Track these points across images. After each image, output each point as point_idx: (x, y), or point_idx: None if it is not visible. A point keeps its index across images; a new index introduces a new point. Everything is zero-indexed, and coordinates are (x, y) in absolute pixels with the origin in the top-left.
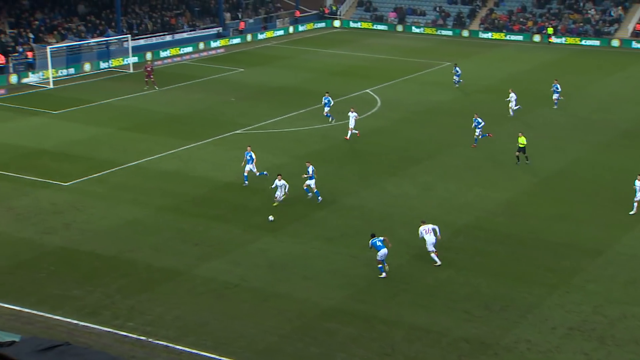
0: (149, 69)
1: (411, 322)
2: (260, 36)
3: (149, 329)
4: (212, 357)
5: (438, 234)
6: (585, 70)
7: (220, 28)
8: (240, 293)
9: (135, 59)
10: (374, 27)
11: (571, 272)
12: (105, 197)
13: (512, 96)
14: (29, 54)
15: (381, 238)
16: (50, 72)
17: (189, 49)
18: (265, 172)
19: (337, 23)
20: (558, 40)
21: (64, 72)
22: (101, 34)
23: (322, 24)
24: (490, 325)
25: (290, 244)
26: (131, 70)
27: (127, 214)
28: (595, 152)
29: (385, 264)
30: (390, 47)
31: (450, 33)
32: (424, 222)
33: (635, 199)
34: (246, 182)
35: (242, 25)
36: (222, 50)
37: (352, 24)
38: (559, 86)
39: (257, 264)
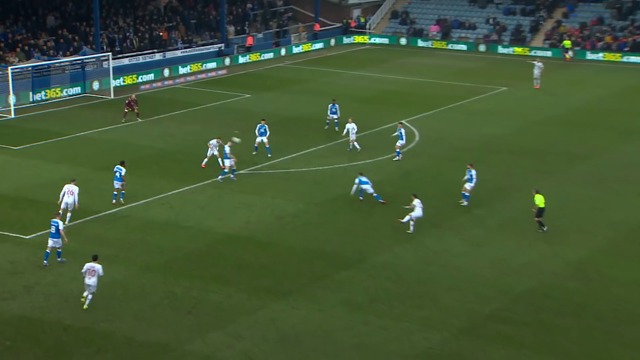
0: (133, 99)
1: None
2: (271, 54)
3: None
4: None
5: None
6: None
7: (222, 45)
8: None
9: (118, 82)
10: (412, 43)
11: None
12: (77, 253)
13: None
14: None
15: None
16: (11, 99)
17: (184, 70)
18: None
19: (366, 38)
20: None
21: (29, 98)
22: (75, 52)
23: (348, 40)
24: None
25: (306, 311)
26: (112, 96)
27: (104, 275)
28: None
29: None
30: (432, 67)
31: (506, 51)
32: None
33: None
34: None
35: (249, 40)
36: (224, 71)
37: (384, 40)
38: (403, 131)
39: (265, 337)
